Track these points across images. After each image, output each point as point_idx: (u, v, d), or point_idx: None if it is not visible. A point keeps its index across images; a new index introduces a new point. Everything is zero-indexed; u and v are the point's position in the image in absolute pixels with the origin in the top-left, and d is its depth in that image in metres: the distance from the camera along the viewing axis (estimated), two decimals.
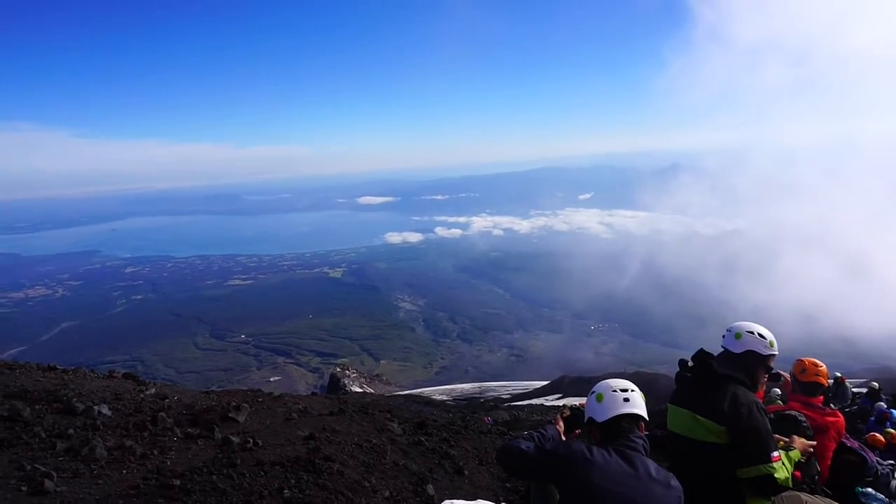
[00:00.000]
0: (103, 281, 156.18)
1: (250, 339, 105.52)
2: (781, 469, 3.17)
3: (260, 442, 6.94)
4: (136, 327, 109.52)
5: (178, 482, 5.23)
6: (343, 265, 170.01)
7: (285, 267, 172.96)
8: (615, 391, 2.70)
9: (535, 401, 47.16)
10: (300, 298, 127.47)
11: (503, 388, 62.58)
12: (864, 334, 73.16)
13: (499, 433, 12.86)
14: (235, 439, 6.79)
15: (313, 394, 22.77)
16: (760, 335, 3.42)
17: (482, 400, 52.30)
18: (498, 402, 48.66)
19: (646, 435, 2.81)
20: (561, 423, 3.19)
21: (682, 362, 3.53)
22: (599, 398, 2.71)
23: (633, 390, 2.71)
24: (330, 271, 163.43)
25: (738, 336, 3.45)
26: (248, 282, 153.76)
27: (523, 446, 2.70)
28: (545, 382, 58.15)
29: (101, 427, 6.49)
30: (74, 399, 7.18)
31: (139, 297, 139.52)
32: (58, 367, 9.67)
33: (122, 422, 6.85)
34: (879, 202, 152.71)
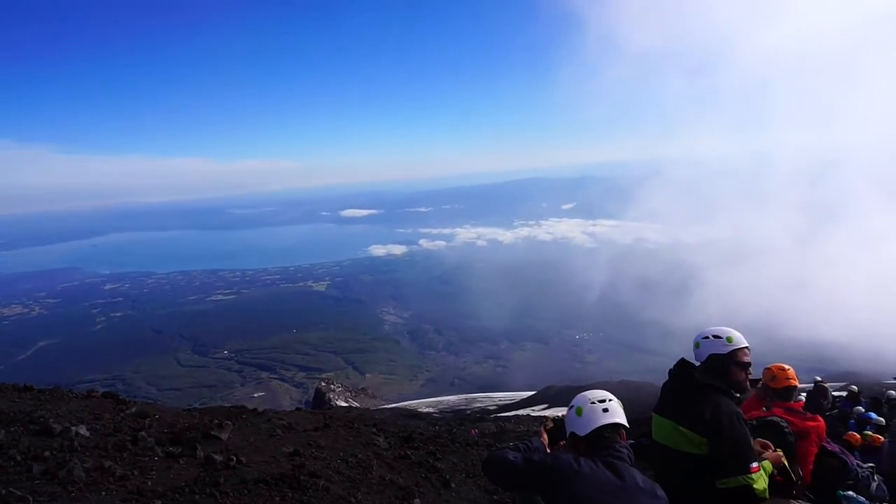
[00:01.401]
0: (82, 298, 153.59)
1: (233, 355, 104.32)
2: (760, 480, 3.19)
3: (243, 459, 6.83)
4: (116, 345, 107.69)
5: (159, 503, 5.13)
6: (327, 278, 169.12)
7: (269, 281, 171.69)
8: (594, 403, 2.70)
9: (521, 411, 47.13)
10: (284, 313, 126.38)
11: (489, 399, 62.58)
12: (805, 344, 74.68)
13: (485, 445, 12.84)
14: (218, 457, 6.66)
15: (298, 409, 22.60)
16: (715, 336, 3.42)
17: (468, 412, 52.20)
18: (484, 413, 48.61)
19: (631, 444, 2.81)
20: (545, 436, 3.20)
21: (671, 371, 3.55)
22: (579, 412, 2.70)
23: (610, 400, 2.72)
24: (314, 285, 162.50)
25: (696, 346, 3.47)
26: (231, 297, 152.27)
27: (510, 457, 2.68)
28: (531, 393, 58.22)
29: (79, 448, 6.34)
30: (51, 420, 7.02)
31: (119, 314, 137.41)
32: (34, 387, 9.47)
33: (100, 442, 6.69)
34: (804, 216, 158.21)
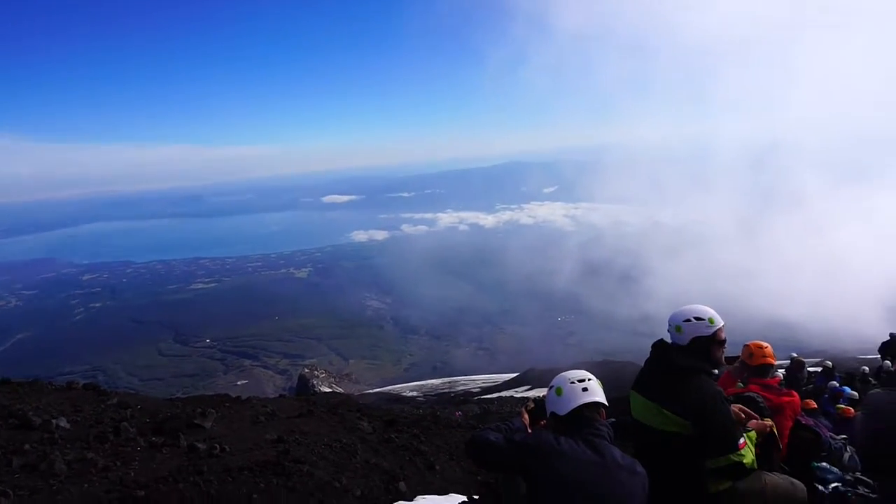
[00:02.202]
0: (60, 289, 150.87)
1: (216, 344, 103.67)
2: (748, 453, 3.27)
3: (227, 447, 6.87)
4: (95, 336, 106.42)
5: (142, 493, 5.13)
6: (309, 265, 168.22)
7: (250, 269, 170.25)
8: (573, 382, 2.71)
9: (504, 393, 47.66)
10: (266, 300, 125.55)
11: (472, 382, 63.02)
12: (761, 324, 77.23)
13: (469, 427, 12.94)
14: (202, 446, 6.68)
15: (281, 396, 22.52)
16: (697, 318, 3.41)
17: (452, 395, 52.61)
18: (467, 396, 49.01)
19: (612, 422, 2.85)
20: (526, 416, 3.22)
21: (651, 352, 3.56)
22: (559, 392, 2.72)
23: (590, 379, 2.74)
24: (296, 272, 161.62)
25: (678, 329, 3.43)
26: (212, 285, 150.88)
27: (492, 437, 2.70)
28: (514, 375, 58.67)
29: (60, 441, 6.31)
30: (30, 413, 6.97)
31: (98, 304, 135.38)
32: (12, 380, 9.36)
33: (82, 434, 6.68)
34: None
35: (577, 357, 69.65)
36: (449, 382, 64.28)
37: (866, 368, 16.02)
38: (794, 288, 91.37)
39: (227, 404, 10.14)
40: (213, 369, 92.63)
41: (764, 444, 3.75)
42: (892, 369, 14.95)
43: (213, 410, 8.59)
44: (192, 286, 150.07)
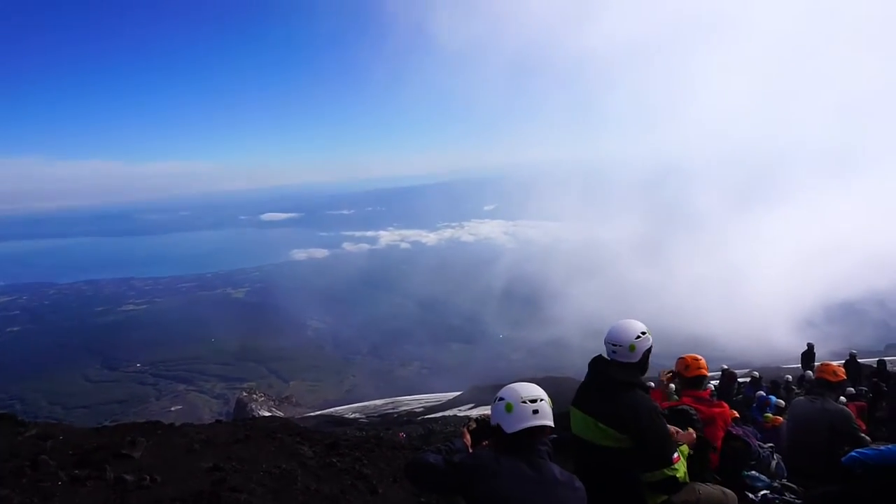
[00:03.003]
0: None
1: (147, 368, 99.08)
2: (681, 467, 3.39)
3: (158, 478, 6.56)
4: (12, 362, 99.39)
5: None
6: (247, 285, 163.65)
7: (184, 289, 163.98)
8: (524, 402, 2.66)
9: (448, 412, 47.59)
10: (201, 321, 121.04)
11: (416, 401, 62.72)
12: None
13: (413, 448, 12.90)
14: (130, 478, 6.37)
15: (217, 421, 21.76)
16: (643, 333, 3.54)
17: (395, 415, 52.18)
18: (411, 416, 48.72)
19: (553, 438, 2.92)
20: (468, 436, 3.20)
21: (589, 368, 3.64)
22: (509, 408, 2.66)
23: (542, 400, 2.69)
24: (233, 291, 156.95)
25: (632, 348, 3.49)
26: (143, 306, 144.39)
27: (431, 459, 2.70)
28: (458, 393, 58.78)
29: None
30: None
31: (16, 328, 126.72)
32: None
33: None
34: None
35: (521, 374, 70.38)
36: (392, 403, 63.75)
37: (790, 377, 16.96)
38: (700, 304, 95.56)
39: (159, 432, 9.71)
40: (144, 395, 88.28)
41: (696, 454, 3.90)
42: (813, 378, 15.87)
43: (143, 439, 8.16)
44: (122, 308, 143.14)
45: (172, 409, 78.44)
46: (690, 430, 3.96)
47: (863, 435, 5.08)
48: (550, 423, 2.67)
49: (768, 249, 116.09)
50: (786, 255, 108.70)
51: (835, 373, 5.58)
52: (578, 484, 2.65)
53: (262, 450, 9.22)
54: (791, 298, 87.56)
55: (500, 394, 2.76)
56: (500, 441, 2.72)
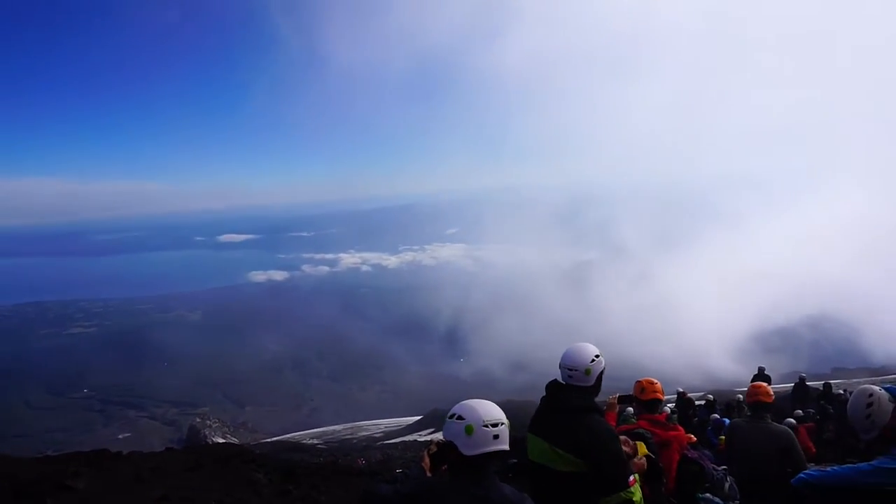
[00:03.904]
0: None
1: (94, 393, 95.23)
2: (637, 491, 3.41)
3: None
4: None
5: None
6: (202, 307, 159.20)
7: (136, 311, 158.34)
8: (486, 426, 2.60)
9: (408, 437, 47.19)
10: (154, 345, 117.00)
11: (376, 426, 62.00)
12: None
13: (371, 474, 12.76)
14: None
15: (168, 449, 21.08)
16: (597, 356, 3.58)
17: (355, 441, 51.48)
18: (371, 441, 48.16)
19: (514, 463, 2.95)
20: (427, 460, 3.14)
21: (545, 393, 3.66)
22: (469, 430, 2.60)
23: (502, 424, 2.64)
24: (188, 314, 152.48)
25: (588, 372, 3.52)
26: (92, 329, 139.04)
27: (382, 491, 2.69)
28: (418, 418, 58.29)
29: None
30: None
31: None
32: None
33: None
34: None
35: (481, 397, 70.09)
36: (351, 428, 62.82)
37: (741, 396, 17.43)
38: (634, 332, 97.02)
39: (106, 461, 9.40)
40: (90, 422, 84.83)
41: (648, 478, 3.96)
42: (744, 400, 16.41)
43: (87, 469, 7.92)
44: (69, 330, 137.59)
45: (121, 436, 75.56)
46: (640, 458, 3.98)
47: (804, 458, 5.26)
48: (507, 447, 2.65)
49: (696, 278, 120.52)
50: (714, 283, 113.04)
51: (768, 393, 5.64)
52: (529, 503, 2.63)
53: (214, 478, 8.99)
54: (724, 325, 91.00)
55: (458, 411, 2.69)
56: (455, 461, 2.68)
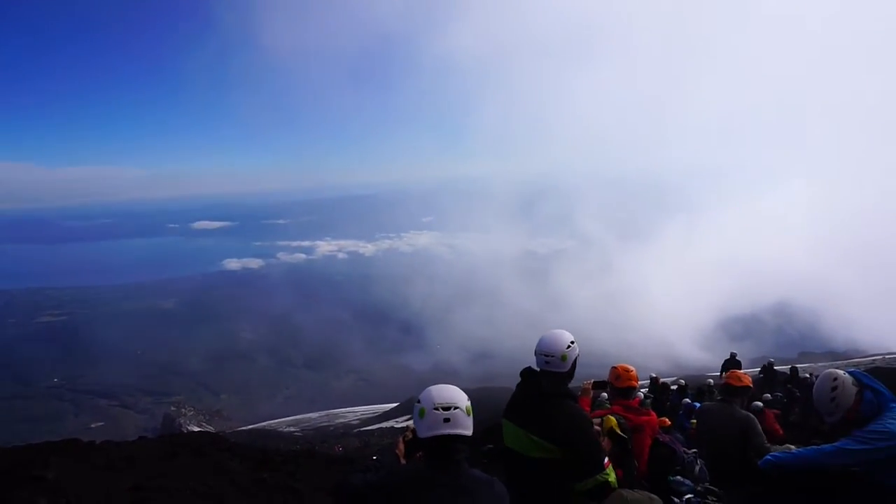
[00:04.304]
0: None
1: (64, 383, 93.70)
2: (612, 473, 3.43)
3: (74, 500, 6.25)
4: None
5: None
6: (176, 295, 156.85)
7: (108, 299, 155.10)
8: (436, 409, 2.54)
9: (384, 424, 47.58)
10: (126, 333, 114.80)
11: (352, 413, 62.26)
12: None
13: (348, 461, 12.95)
14: (43, 501, 5.99)
15: (141, 438, 21.07)
16: (572, 342, 3.60)
17: (331, 428, 51.67)
18: (348, 428, 48.42)
19: (489, 448, 3.09)
20: (401, 447, 3.14)
21: (520, 380, 3.68)
22: (422, 413, 2.58)
23: (456, 408, 2.56)
24: (161, 302, 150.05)
25: (563, 358, 3.54)
26: (62, 317, 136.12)
27: (353, 480, 2.67)
28: (394, 405, 58.60)
29: None
30: None
31: None
32: None
33: None
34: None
35: (456, 384, 70.51)
36: (328, 415, 62.97)
37: (711, 381, 18.06)
38: (602, 318, 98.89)
39: (78, 450, 9.23)
40: (61, 412, 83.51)
41: (621, 462, 4.07)
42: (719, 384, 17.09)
43: (58, 458, 7.77)
44: (37, 319, 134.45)
45: (93, 425, 74.71)
46: (604, 437, 4.09)
47: (763, 442, 5.65)
48: (465, 431, 2.56)
49: (661, 267, 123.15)
50: (679, 273, 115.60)
51: (739, 378, 5.80)
52: (499, 486, 2.61)
53: (189, 467, 8.95)
54: (689, 313, 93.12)
55: (421, 395, 2.67)
56: (418, 445, 2.71)
